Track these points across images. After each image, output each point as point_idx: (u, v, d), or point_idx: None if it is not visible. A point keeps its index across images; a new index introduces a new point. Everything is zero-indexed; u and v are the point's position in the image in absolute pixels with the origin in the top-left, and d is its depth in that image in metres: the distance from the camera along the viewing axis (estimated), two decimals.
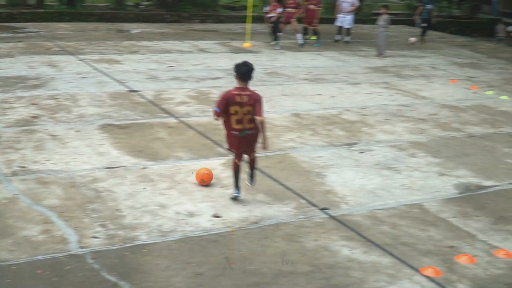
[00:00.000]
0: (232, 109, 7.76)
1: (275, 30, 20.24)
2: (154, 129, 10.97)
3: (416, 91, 15.47)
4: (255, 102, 7.72)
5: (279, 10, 20.05)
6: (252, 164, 8.24)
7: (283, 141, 10.77)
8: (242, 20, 25.05)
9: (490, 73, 18.98)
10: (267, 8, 20.50)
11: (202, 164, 9.30)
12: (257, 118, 7.74)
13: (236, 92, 7.78)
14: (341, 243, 7.27)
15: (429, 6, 24.67)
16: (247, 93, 7.77)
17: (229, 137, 7.99)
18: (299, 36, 21.08)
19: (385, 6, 20.93)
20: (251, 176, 8.33)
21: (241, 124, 7.81)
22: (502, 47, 26.24)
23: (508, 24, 33.41)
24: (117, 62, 16.42)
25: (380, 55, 20.14)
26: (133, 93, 13.33)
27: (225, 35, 22.64)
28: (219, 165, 9.44)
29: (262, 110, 7.75)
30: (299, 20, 21.74)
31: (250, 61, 7.99)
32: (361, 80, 16.34)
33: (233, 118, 7.81)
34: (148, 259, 6.64)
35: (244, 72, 7.78)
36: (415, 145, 11.11)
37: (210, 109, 12.48)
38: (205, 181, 8.60)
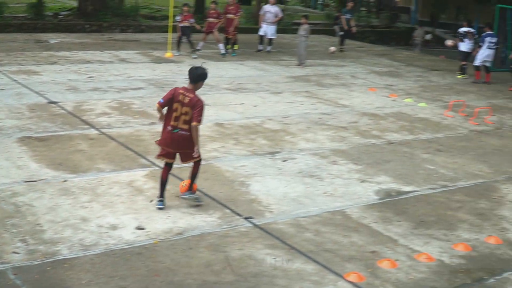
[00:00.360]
0: (175, 105, 7.99)
1: (187, 40, 20.09)
2: (75, 141, 10.76)
3: (337, 100, 15.73)
4: (193, 106, 7.91)
5: (191, 20, 20.04)
6: (193, 171, 8.32)
7: (206, 151, 10.74)
8: (164, 29, 24.92)
9: (408, 81, 19.49)
10: (178, 18, 20.39)
11: (125, 175, 9.19)
12: (192, 123, 7.94)
13: (181, 91, 8.03)
14: (266, 252, 7.30)
15: (347, 16, 25.20)
16: (191, 95, 7.98)
17: (163, 132, 8.18)
18: (221, 46, 21.12)
19: (305, 16, 21.24)
20: (190, 187, 8.34)
21: (176, 121, 8.01)
22: (419, 55, 27.00)
23: (427, 32, 34.43)
24: (35, 73, 16.04)
25: (301, 64, 20.39)
26: (52, 105, 13.05)
27: (146, 45, 22.46)
28: (142, 176, 9.34)
29: (200, 116, 7.93)
30: (221, 30, 21.79)
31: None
32: (283, 89, 16.50)
33: (173, 114, 8.03)
34: (70, 274, 6.50)
35: (193, 74, 8.05)
36: (337, 153, 11.28)
37: (132, 120, 12.36)
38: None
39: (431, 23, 38.94)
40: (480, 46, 20.17)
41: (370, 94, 16.91)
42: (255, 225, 8.00)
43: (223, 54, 20.96)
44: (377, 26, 39.24)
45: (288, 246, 7.48)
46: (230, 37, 21.80)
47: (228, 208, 8.45)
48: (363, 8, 45.57)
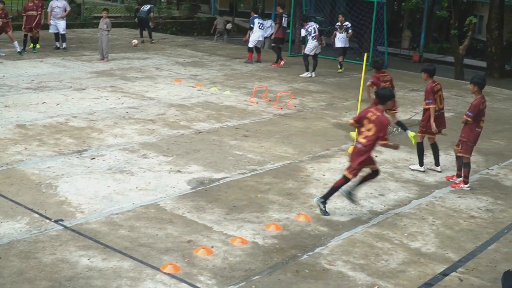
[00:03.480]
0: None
1: None
2: None
3: (143, 93, 15.63)
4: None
5: None
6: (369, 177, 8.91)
7: (9, 154, 10.25)
8: None
9: (212, 70, 19.80)
10: None
11: None
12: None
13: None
14: (80, 253, 7.11)
15: (146, 7, 25.16)
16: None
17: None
18: (16, 43, 20.15)
19: (105, 10, 20.82)
20: None
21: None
22: (222, 45, 27.51)
23: (227, 22, 35.12)
24: None
25: (103, 59, 20.00)
26: None
27: None
28: None
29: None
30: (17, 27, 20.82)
31: None
32: (87, 85, 16.11)
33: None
34: None
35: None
36: (146, 146, 11.22)
37: None
38: None
39: (231, 12, 39.83)
40: (251, 29, 21.53)
41: (176, 85, 16.98)
42: (66, 227, 7.76)
43: (20, 53, 20.05)
44: (178, 17, 39.44)
45: (102, 245, 7.33)
46: (32, 35, 20.87)
47: (37, 212, 8.12)
48: (163, 0, 45.62)
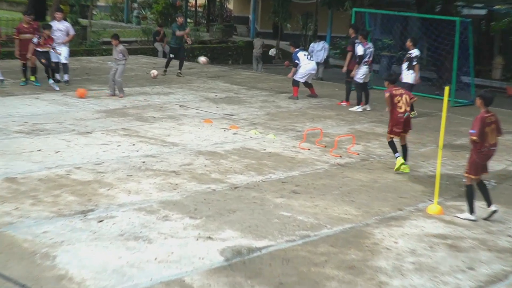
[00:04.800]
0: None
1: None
2: None
3: (163, 137, 15.73)
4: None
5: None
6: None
7: None
8: None
9: (251, 108, 19.88)
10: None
11: None
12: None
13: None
14: None
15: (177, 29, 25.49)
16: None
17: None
18: None
19: (115, 37, 20.96)
20: None
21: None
22: (263, 75, 27.71)
23: (271, 47, 35.52)
24: None
25: (114, 94, 20.28)
26: None
27: None
28: None
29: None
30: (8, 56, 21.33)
31: None
32: (94, 127, 16.29)
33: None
34: None
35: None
36: (168, 205, 11.22)
37: None
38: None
39: (275, 35, 40.24)
40: (296, 65, 22.02)
41: (206, 127, 17.07)
42: None
43: (1, 81, 20.50)
44: (209, 41, 39.94)
45: None
46: (29, 64, 21.35)
47: None
48: (189, 20, 46.28)
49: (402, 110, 14.07)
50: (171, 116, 18.10)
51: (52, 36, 21.30)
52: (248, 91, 22.62)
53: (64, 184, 12.03)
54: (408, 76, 20.26)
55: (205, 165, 13.67)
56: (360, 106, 20.58)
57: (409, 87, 20.27)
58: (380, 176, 13.70)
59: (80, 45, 31.80)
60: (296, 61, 21.92)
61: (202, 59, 25.17)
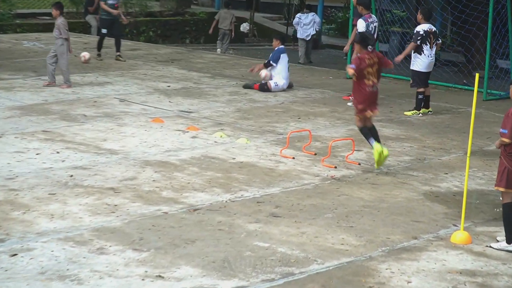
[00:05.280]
0: None
1: None
2: None
3: (98, 142, 15.74)
4: None
5: None
6: None
7: None
8: None
9: (216, 102, 19.92)
10: None
11: None
12: None
13: None
14: None
15: (111, 0, 25.47)
16: None
17: None
18: None
19: (57, 5, 20.96)
20: None
21: None
22: (232, 58, 27.74)
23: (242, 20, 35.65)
24: None
25: (52, 82, 20.43)
26: None
27: None
28: None
29: None
30: None
31: None
32: (4, 129, 16.28)
33: None
34: None
35: None
36: (104, 234, 11.23)
37: None
38: None
39: (248, 4, 40.29)
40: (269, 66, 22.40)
41: (155, 128, 17.10)
42: None
43: None
44: (159, 13, 39.85)
45: None
46: None
47: None
48: None
49: (370, 82, 15.13)
50: (108, 114, 18.10)
51: None
52: (212, 80, 22.67)
53: None
54: (415, 61, 20.45)
55: (153, 180, 13.70)
56: None
57: (420, 76, 20.43)
58: (388, 194, 13.77)
59: None
60: (273, 62, 21.96)
61: (84, 55, 24.74)
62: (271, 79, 22.12)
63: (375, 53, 15.71)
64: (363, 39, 15.58)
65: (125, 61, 25.54)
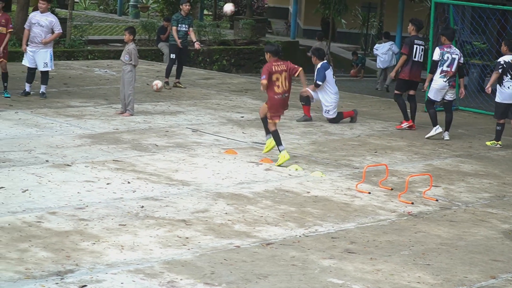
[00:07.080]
0: None
1: None
2: None
3: (170, 173, 15.83)
4: None
5: None
6: None
7: None
8: None
9: (290, 134, 19.97)
10: None
11: None
12: None
13: None
14: None
15: (183, 27, 25.53)
16: None
17: None
18: None
19: (129, 30, 21.09)
20: None
21: None
22: None
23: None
24: None
25: (125, 111, 20.64)
26: None
27: None
28: None
29: None
30: None
31: None
32: (74, 158, 16.42)
33: None
34: None
35: None
36: (175, 267, 11.28)
37: None
38: None
39: (325, 34, 40.26)
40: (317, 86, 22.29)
41: (228, 160, 17.16)
42: None
43: None
44: (233, 41, 39.99)
45: None
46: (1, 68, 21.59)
47: None
48: (206, 12, 46.34)
49: (280, 90, 16.82)
50: (180, 145, 18.20)
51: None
52: (287, 112, 22.74)
53: (34, 235, 12.13)
54: (497, 92, 20.62)
55: (226, 213, 13.76)
56: (437, 128, 20.64)
57: (498, 107, 20.46)
58: (466, 232, 13.69)
59: (57, 44, 31.94)
60: (319, 81, 21.89)
61: (156, 83, 24.74)
62: (313, 101, 22.17)
63: (283, 62, 16.94)
64: (273, 47, 17.29)
65: (185, 87, 25.72)
